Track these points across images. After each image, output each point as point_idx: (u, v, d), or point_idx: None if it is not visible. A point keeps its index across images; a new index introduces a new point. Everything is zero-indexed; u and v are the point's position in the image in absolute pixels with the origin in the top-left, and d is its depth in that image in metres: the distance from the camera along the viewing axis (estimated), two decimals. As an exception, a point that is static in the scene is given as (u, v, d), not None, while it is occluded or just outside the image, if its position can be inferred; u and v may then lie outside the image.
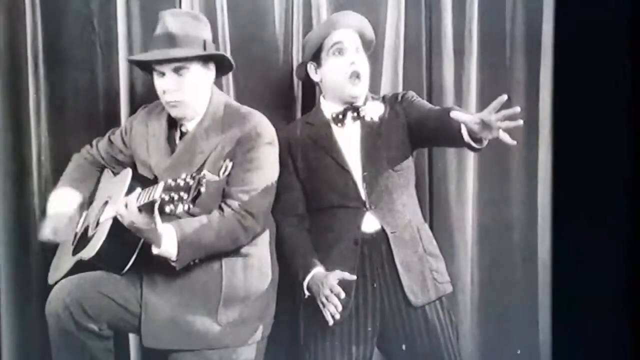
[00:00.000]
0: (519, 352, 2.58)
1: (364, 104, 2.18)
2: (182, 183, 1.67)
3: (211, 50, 2.03)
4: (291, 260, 2.09)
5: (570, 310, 2.60)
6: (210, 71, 2.05)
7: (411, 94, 2.23)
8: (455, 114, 1.84)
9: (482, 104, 2.54)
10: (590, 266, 2.54)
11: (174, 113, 2.02)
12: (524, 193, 2.65)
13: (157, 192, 1.70)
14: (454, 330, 2.18)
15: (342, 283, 1.98)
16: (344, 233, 2.10)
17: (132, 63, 2.21)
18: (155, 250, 1.84)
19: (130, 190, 1.91)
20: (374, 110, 2.17)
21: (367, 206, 2.11)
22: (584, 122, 2.50)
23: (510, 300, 2.65)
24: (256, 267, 2.04)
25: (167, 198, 1.67)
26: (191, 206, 1.68)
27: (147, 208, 1.76)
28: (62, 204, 2.10)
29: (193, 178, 1.67)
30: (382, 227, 2.11)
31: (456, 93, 2.54)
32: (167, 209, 1.68)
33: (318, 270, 2.02)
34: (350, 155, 2.14)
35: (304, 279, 2.02)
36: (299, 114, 2.42)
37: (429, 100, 2.47)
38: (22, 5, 2.31)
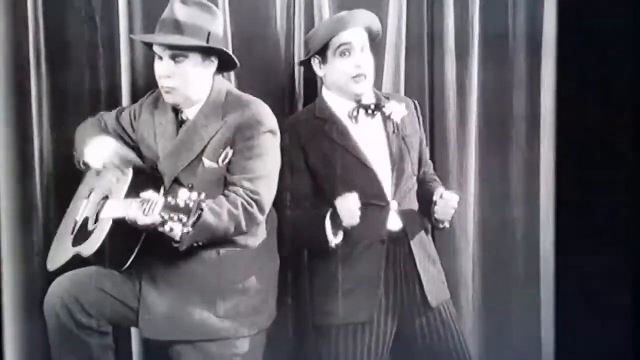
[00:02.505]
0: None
1: (384, 101, 2.18)
2: (182, 204, 1.68)
3: (215, 43, 2.00)
4: (305, 228, 2.09)
5: (573, 308, 2.60)
6: (211, 64, 2.02)
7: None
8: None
9: (484, 102, 2.56)
10: (593, 263, 2.54)
11: (167, 99, 2.01)
12: (525, 191, 2.65)
13: (157, 208, 1.71)
14: (460, 328, 2.20)
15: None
16: (368, 231, 2.09)
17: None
18: (160, 228, 1.79)
19: (130, 189, 1.92)
20: (398, 111, 2.18)
21: (392, 204, 2.12)
22: (585, 119, 2.50)
23: (512, 297, 2.65)
24: (255, 259, 2.03)
25: (166, 217, 1.68)
26: (190, 230, 1.70)
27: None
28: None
29: (193, 201, 1.67)
30: (403, 226, 2.13)
31: (458, 90, 2.54)
32: (167, 227, 1.69)
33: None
34: (370, 152, 2.13)
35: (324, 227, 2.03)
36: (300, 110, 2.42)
37: (431, 98, 2.48)
38: (24, 4, 2.31)
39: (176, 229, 1.67)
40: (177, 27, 1.95)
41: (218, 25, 2.03)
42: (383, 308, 2.11)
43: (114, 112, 2.20)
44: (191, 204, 1.67)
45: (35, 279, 2.30)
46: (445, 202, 2.09)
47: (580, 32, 2.53)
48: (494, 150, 2.55)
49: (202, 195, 1.69)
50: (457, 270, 2.51)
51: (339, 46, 2.12)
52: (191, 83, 1.98)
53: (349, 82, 2.13)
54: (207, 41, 1.97)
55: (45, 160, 2.34)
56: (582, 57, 2.53)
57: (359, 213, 2.00)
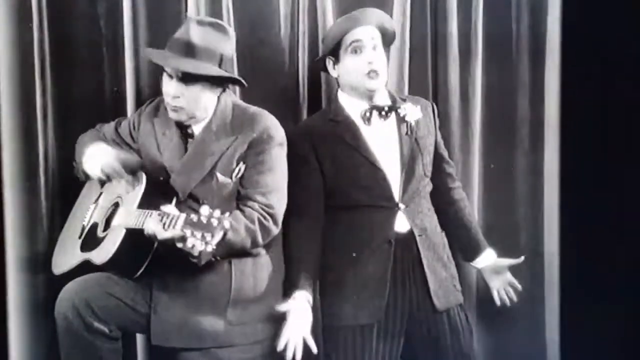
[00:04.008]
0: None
1: (400, 102, 2.18)
2: (204, 221, 1.67)
3: (227, 66, 1.99)
4: (289, 265, 2.09)
5: (578, 311, 2.60)
6: (219, 86, 2.03)
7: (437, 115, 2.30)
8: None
9: (488, 105, 2.56)
10: (598, 266, 2.54)
11: (172, 116, 2.01)
12: (529, 194, 2.65)
13: (179, 223, 1.71)
14: (471, 334, 2.21)
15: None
16: (376, 232, 2.10)
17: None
18: (178, 244, 1.78)
19: (143, 199, 1.92)
20: (413, 113, 2.18)
21: (399, 206, 2.11)
22: (589, 122, 2.50)
23: (516, 301, 2.65)
24: (266, 266, 2.05)
25: (188, 233, 1.67)
26: (214, 248, 1.70)
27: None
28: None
29: (217, 219, 1.67)
30: (411, 227, 2.12)
31: (461, 94, 2.54)
32: (188, 244, 1.68)
33: (300, 294, 2.03)
34: (381, 153, 2.13)
35: (288, 294, 2.05)
36: (304, 116, 2.43)
37: (434, 101, 2.46)
38: (28, 9, 2.31)
39: (198, 246, 1.67)
40: (190, 49, 1.93)
41: (230, 46, 2.02)
42: (391, 310, 2.10)
43: (113, 123, 2.20)
44: (214, 222, 1.67)
45: (41, 284, 2.31)
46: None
47: (584, 35, 2.54)
48: (498, 154, 2.55)
49: (227, 214, 1.69)
50: (462, 273, 2.50)
51: (350, 43, 2.12)
52: (199, 104, 1.99)
53: (363, 79, 2.12)
54: (220, 64, 1.96)
55: (50, 167, 2.34)
56: (586, 60, 2.54)
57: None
